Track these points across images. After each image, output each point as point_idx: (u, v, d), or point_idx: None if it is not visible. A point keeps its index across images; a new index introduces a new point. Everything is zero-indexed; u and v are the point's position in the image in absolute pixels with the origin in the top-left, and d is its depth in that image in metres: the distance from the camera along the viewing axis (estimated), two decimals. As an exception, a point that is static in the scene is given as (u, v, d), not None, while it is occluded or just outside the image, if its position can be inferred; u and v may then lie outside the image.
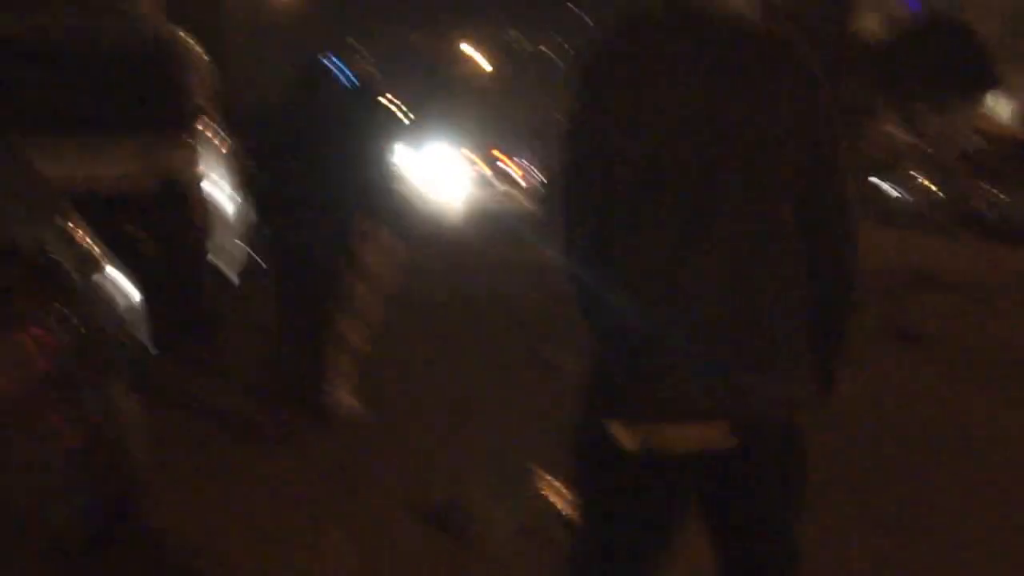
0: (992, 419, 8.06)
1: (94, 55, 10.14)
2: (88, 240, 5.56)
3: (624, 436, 2.67)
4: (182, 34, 11.54)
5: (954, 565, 5.28)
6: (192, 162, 9.48)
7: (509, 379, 8.53)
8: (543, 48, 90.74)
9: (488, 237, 23.64)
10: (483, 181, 42.89)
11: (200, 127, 10.00)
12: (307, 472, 6.40)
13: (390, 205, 7.52)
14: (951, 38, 35.95)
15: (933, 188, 28.71)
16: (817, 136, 2.65)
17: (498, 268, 16.72)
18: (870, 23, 44.35)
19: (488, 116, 71.91)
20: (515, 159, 52.88)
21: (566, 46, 74.57)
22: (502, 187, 43.21)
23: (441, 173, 33.54)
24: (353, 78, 7.72)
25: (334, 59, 7.99)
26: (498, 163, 49.57)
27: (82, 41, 10.18)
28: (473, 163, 46.49)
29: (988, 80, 35.46)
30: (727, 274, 2.62)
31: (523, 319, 11.32)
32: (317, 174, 7.07)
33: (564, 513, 4.80)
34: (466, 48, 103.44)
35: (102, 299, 5.36)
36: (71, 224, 5.44)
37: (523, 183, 45.39)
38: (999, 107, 36.87)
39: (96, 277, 5.39)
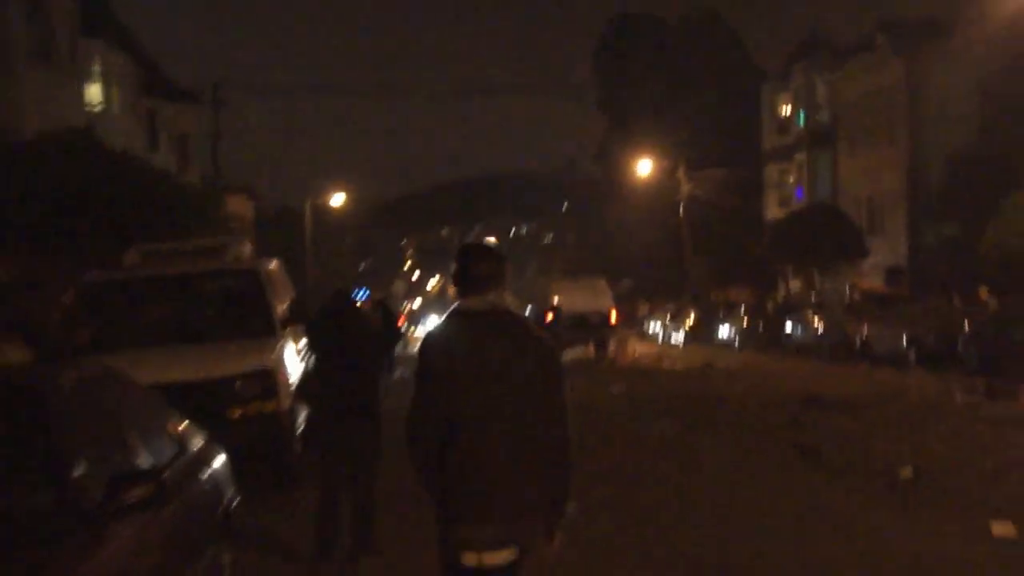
0: (863, 517, 8.00)
1: (215, 287, 11.11)
2: (193, 435, 5.91)
3: (463, 558, 3.76)
4: (273, 264, 12.39)
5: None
6: (278, 360, 10.09)
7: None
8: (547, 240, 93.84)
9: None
10: None
11: (284, 334, 10.65)
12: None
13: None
14: (829, 220, 38.72)
15: (824, 327, 29.57)
16: (544, 374, 3.83)
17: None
18: (774, 208, 47.34)
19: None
20: None
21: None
22: None
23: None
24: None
25: (358, 289, 8.52)
26: None
27: (206, 278, 11.12)
28: None
29: (858, 251, 37.89)
30: (514, 461, 3.76)
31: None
32: (347, 379, 7.30)
33: None
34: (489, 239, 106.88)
35: (207, 482, 5.71)
36: (178, 428, 5.80)
37: None
38: (868, 269, 38.95)
39: (203, 468, 5.73)
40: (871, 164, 41.09)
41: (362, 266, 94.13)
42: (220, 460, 6.13)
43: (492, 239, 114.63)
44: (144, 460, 4.77)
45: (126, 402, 5.25)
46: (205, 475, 5.76)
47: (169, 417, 5.85)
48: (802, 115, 46.41)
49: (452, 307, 4.03)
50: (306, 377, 8.25)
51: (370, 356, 7.57)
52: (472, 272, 3.89)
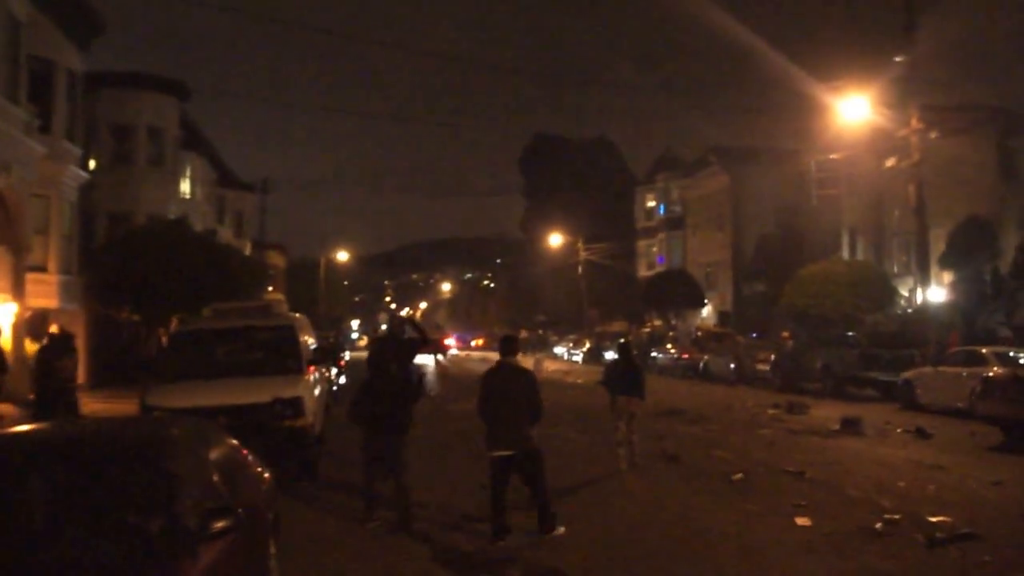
0: (708, 512, 7.59)
1: (262, 336, 10.68)
2: (254, 463, 5.43)
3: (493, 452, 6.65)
4: (302, 318, 11.97)
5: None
6: (305, 389, 9.70)
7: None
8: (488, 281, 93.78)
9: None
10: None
11: (311, 368, 10.35)
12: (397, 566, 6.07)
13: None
14: (680, 279, 39.52)
15: (678, 355, 29.67)
16: (529, 383, 6.83)
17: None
18: (644, 270, 47.67)
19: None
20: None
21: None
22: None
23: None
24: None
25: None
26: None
27: (257, 330, 10.75)
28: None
29: (700, 301, 38.86)
30: (512, 409, 6.66)
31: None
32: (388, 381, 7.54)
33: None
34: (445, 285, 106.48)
35: (266, 493, 5.30)
36: (247, 459, 5.38)
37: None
38: (706, 314, 39.99)
39: (261, 485, 5.28)
40: (708, 242, 42.08)
41: (357, 298, 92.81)
42: (270, 478, 5.74)
43: (448, 284, 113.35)
44: (226, 493, 4.41)
45: (213, 447, 4.88)
46: (264, 488, 5.44)
47: (239, 452, 5.47)
48: (662, 208, 47.26)
49: (499, 360, 6.97)
50: (356, 401, 7.95)
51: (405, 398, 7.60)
52: (507, 349, 6.93)
